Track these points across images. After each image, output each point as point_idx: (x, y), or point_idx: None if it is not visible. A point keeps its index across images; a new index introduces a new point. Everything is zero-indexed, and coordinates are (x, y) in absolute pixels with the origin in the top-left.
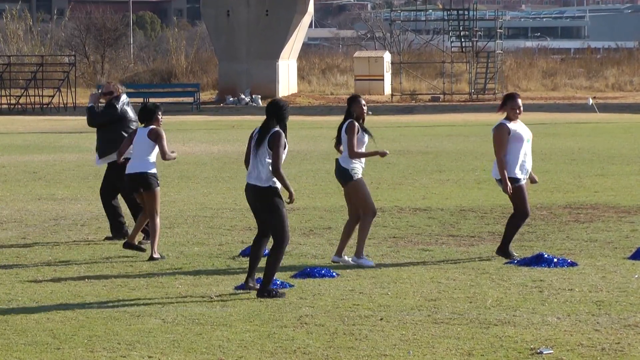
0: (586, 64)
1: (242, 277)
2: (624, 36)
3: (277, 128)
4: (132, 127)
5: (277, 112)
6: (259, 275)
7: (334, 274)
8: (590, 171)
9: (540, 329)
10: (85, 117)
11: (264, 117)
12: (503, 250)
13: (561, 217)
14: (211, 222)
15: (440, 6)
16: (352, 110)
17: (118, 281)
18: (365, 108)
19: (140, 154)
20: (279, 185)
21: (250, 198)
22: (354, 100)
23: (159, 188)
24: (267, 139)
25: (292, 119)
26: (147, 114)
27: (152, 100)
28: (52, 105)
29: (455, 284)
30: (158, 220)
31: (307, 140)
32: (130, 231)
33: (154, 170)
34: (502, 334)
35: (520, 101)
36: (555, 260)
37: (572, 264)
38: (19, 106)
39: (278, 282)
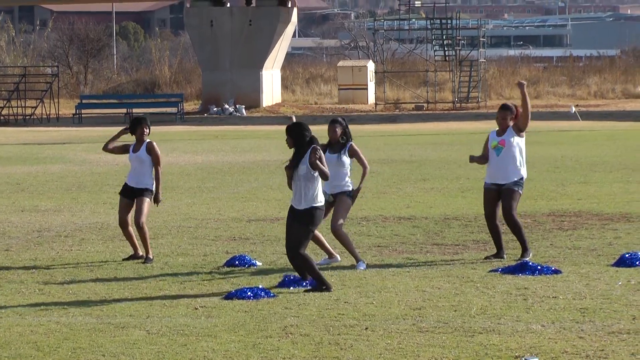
0: (568, 72)
1: (227, 288)
2: (605, 44)
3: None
4: None
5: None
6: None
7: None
8: (574, 179)
9: (525, 336)
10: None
11: (249, 127)
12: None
13: (545, 225)
14: (195, 233)
15: (424, 15)
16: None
17: (102, 293)
18: (337, 132)
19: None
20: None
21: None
22: (329, 123)
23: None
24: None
25: (276, 129)
26: (134, 124)
27: (135, 110)
28: (35, 117)
29: (440, 293)
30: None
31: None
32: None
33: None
34: (486, 342)
35: (502, 112)
36: (539, 267)
37: (556, 272)
38: (2, 117)
39: (262, 292)
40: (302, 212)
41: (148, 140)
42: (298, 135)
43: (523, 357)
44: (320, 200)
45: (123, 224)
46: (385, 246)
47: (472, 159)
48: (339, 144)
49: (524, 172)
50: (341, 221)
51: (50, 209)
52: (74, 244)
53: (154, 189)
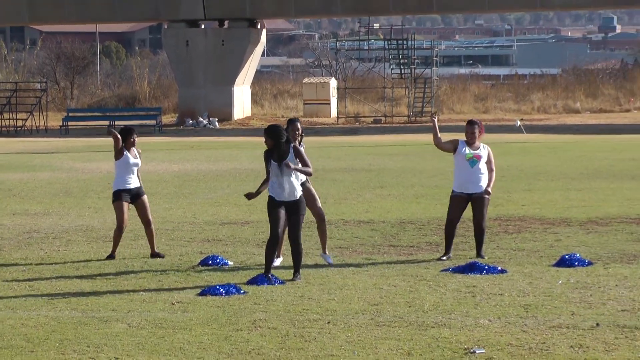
0: (514, 88)
1: (201, 285)
2: (548, 64)
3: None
4: None
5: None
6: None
7: (282, 281)
8: (518, 187)
9: (473, 330)
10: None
11: (221, 138)
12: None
13: (492, 229)
14: (172, 235)
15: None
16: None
17: (87, 289)
18: (298, 132)
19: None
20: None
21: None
22: (288, 123)
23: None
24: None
25: (246, 140)
26: (126, 133)
27: (117, 123)
28: (26, 128)
29: (395, 290)
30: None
31: (261, 159)
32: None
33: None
34: (438, 335)
35: (470, 127)
36: (486, 267)
37: (502, 271)
38: None
39: (233, 289)
40: (295, 203)
41: (137, 148)
42: (276, 136)
43: (471, 349)
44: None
45: (122, 228)
46: (346, 247)
47: (433, 115)
48: (298, 142)
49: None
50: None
51: (40, 212)
52: (61, 244)
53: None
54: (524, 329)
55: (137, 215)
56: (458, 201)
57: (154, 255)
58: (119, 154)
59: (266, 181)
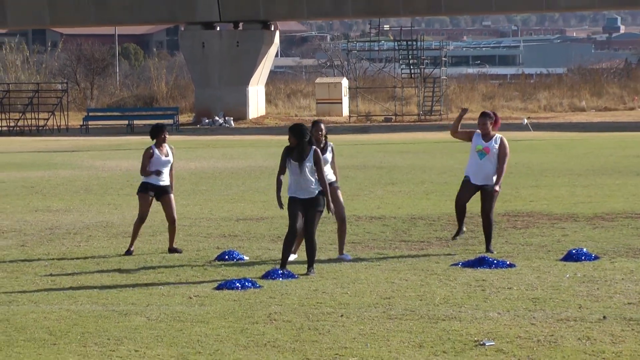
0: (521, 88)
1: (218, 279)
2: (554, 63)
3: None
4: None
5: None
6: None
7: (296, 275)
8: (526, 183)
9: (483, 323)
10: None
11: (237, 136)
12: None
13: (500, 224)
14: (189, 230)
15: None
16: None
17: (107, 283)
18: (321, 132)
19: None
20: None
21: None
22: (312, 124)
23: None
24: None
25: (261, 139)
26: (156, 131)
27: (136, 122)
28: (47, 127)
29: (407, 284)
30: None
31: (275, 156)
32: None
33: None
34: (449, 328)
35: (482, 119)
36: (495, 262)
37: (511, 266)
38: (17, 128)
39: (249, 283)
40: (313, 200)
41: (169, 145)
42: (300, 135)
43: (481, 341)
44: (319, 187)
45: (143, 219)
46: (358, 242)
47: (463, 112)
48: (321, 144)
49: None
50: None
51: (61, 209)
52: (82, 240)
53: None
54: (533, 321)
55: (163, 211)
56: (468, 185)
57: (172, 250)
58: (147, 160)
59: (279, 183)
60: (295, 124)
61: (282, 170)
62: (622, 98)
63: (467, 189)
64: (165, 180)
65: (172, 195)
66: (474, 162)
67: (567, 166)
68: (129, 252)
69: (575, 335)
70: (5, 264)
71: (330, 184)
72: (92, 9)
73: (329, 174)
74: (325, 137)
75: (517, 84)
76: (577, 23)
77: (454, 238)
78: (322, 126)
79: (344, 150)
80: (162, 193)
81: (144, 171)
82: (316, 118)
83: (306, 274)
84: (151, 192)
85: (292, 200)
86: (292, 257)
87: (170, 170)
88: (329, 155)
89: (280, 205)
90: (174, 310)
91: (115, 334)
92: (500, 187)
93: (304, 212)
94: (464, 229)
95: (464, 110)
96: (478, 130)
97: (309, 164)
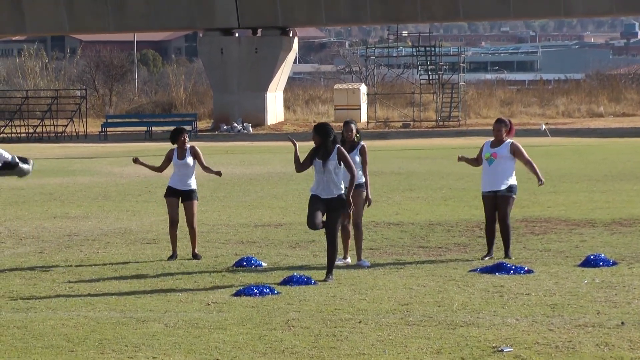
0: (539, 93)
1: (236, 287)
2: (572, 69)
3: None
4: None
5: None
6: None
7: (314, 282)
8: (544, 189)
9: (501, 329)
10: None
11: (255, 143)
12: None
13: (518, 230)
14: (207, 237)
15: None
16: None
17: (125, 290)
18: (351, 133)
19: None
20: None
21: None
22: (344, 124)
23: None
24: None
25: (279, 144)
26: (176, 135)
27: (154, 129)
28: (66, 134)
29: (425, 290)
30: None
31: (293, 163)
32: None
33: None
34: (467, 334)
35: (497, 125)
36: (513, 268)
37: (529, 271)
38: (36, 135)
39: (267, 290)
40: (337, 200)
41: (190, 145)
42: (324, 134)
43: (499, 347)
44: (343, 188)
45: (174, 223)
46: (376, 249)
47: (461, 158)
48: (352, 143)
49: (513, 181)
50: (361, 214)
51: (79, 215)
52: (100, 247)
53: (196, 187)
54: (551, 327)
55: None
56: (487, 200)
57: (194, 256)
58: (166, 162)
59: (297, 158)
60: (320, 123)
61: (302, 159)
62: None
63: (488, 206)
64: (185, 184)
65: (194, 202)
66: (484, 170)
67: (585, 172)
68: (172, 257)
69: (593, 341)
70: (23, 270)
71: (356, 186)
72: (111, 15)
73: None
74: (357, 137)
75: (535, 90)
76: (595, 29)
77: (482, 259)
78: (353, 126)
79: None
80: (185, 198)
81: (158, 169)
82: (347, 118)
83: (324, 280)
84: (174, 194)
85: (313, 197)
86: (341, 262)
87: (203, 167)
88: (356, 157)
89: (293, 141)
90: (191, 316)
91: (133, 341)
92: (542, 178)
93: (325, 211)
94: (493, 254)
95: (460, 158)
96: (487, 140)
97: (333, 162)
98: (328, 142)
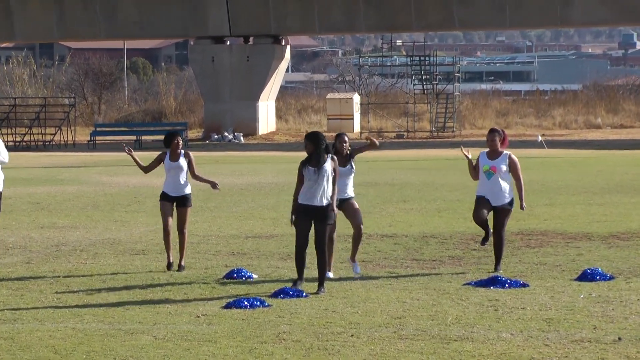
0: (535, 104)
1: (226, 298)
2: (569, 80)
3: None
4: None
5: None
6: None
7: (305, 294)
8: (540, 201)
9: (496, 344)
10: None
11: (246, 152)
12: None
13: (514, 243)
14: (198, 248)
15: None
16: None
17: (113, 301)
18: (345, 145)
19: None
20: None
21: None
22: (336, 136)
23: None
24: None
25: (271, 155)
26: (169, 138)
27: (144, 137)
28: (54, 142)
29: (418, 303)
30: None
31: (284, 173)
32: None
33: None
34: (461, 349)
35: (491, 135)
36: (508, 281)
37: (524, 285)
38: (24, 143)
39: (257, 302)
40: (322, 209)
41: (184, 151)
42: (316, 141)
43: None
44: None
45: (167, 229)
46: (369, 261)
47: (466, 155)
48: (345, 155)
49: (511, 194)
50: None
51: (67, 225)
52: (89, 257)
53: (190, 193)
54: (546, 342)
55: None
56: (482, 201)
57: (179, 266)
58: (155, 163)
59: (295, 200)
60: (312, 132)
61: (300, 185)
62: (638, 115)
63: (482, 205)
64: (179, 189)
65: (187, 209)
66: (482, 183)
67: (582, 184)
68: (169, 265)
69: (589, 356)
70: (10, 281)
71: (348, 199)
72: (102, 23)
73: (348, 187)
74: (349, 150)
75: (532, 101)
76: (592, 39)
77: (482, 244)
78: (346, 138)
79: (355, 166)
80: (179, 204)
81: (144, 168)
82: (340, 131)
83: (316, 293)
84: (167, 200)
85: (302, 209)
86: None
87: (194, 175)
88: (351, 169)
89: (292, 221)
90: (181, 329)
91: (121, 353)
92: (524, 205)
93: (313, 223)
94: (491, 230)
95: (467, 157)
96: (483, 150)
97: (326, 169)
98: (321, 150)
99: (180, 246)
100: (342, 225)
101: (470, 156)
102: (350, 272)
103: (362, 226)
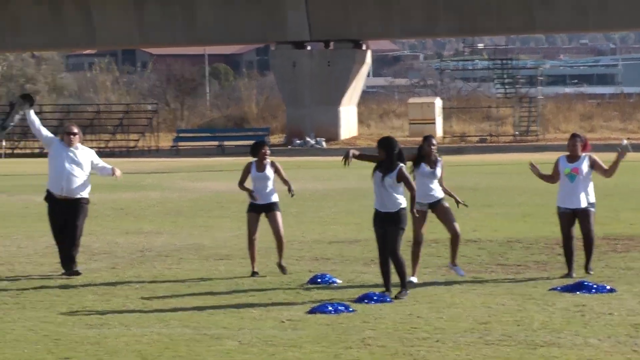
0: (620, 107)
1: (310, 304)
2: None
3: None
4: None
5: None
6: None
7: (389, 299)
8: (626, 205)
9: (583, 349)
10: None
11: (328, 157)
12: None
13: (600, 248)
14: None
15: (486, 56)
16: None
17: (198, 306)
18: (433, 147)
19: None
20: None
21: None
22: (424, 139)
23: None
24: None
25: (354, 160)
26: (256, 148)
27: (226, 143)
28: (137, 148)
29: (504, 309)
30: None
31: (367, 178)
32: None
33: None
34: (548, 355)
35: (572, 140)
36: (595, 286)
37: (611, 290)
38: (108, 149)
39: (342, 307)
40: (391, 215)
41: (270, 160)
42: (389, 148)
43: None
44: (402, 203)
45: (252, 239)
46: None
47: (533, 167)
48: (433, 158)
49: (593, 197)
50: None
51: (152, 231)
52: (173, 262)
53: (278, 200)
54: (635, 348)
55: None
56: (565, 217)
57: (279, 266)
58: (245, 175)
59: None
60: (384, 137)
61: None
62: None
63: (565, 221)
64: (265, 196)
65: (278, 212)
66: (563, 186)
67: None
68: (254, 274)
69: None
70: (96, 286)
71: (438, 200)
72: (181, 28)
73: (436, 190)
74: (436, 153)
75: (616, 104)
76: None
77: (563, 277)
78: (434, 141)
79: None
80: (268, 210)
81: (240, 184)
82: (427, 134)
83: (398, 295)
84: (254, 209)
85: (375, 215)
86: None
87: (283, 179)
88: (438, 171)
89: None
90: (266, 334)
91: (207, 358)
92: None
93: (385, 227)
94: (574, 274)
95: (532, 166)
96: (562, 155)
97: (390, 179)
98: (393, 156)
99: (278, 249)
100: (432, 230)
101: (538, 167)
102: (434, 277)
103: (456, 225)
